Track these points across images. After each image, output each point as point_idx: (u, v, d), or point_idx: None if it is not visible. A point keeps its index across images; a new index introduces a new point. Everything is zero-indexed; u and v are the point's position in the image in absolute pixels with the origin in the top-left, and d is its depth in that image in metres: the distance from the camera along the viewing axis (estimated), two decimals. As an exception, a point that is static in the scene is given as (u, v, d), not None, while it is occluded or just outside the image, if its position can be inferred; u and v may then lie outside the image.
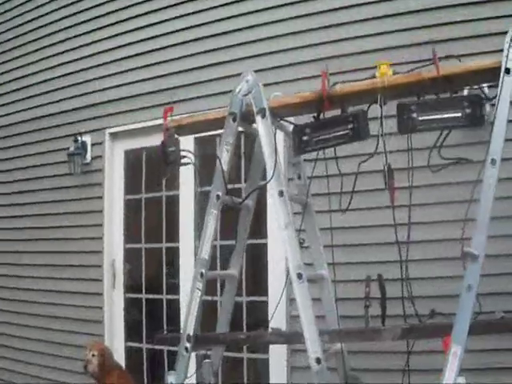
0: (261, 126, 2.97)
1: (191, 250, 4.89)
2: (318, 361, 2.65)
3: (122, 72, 5.44)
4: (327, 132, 2.90)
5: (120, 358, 5.05)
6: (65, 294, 5.59)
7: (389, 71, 2.85)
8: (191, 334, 3.00)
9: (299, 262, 2.78)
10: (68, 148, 5.56)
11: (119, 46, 5.45)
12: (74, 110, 5.75)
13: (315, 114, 2.98)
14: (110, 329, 5.32)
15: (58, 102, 5.89)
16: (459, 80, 2.73)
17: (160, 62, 5.17)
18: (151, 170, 5.36)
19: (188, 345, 3.00)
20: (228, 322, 3.35)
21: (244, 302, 4.51)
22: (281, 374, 4.33)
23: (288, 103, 3.08)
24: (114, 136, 5.51)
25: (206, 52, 4.90)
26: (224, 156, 3.09)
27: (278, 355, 4.30)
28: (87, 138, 5.56)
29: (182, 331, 3.06)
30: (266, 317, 4.40)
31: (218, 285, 4.34)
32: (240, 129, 3.13)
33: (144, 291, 5.29)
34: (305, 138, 2.94)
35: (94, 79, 5.62)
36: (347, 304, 3.47)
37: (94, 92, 5.62)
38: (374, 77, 2.85)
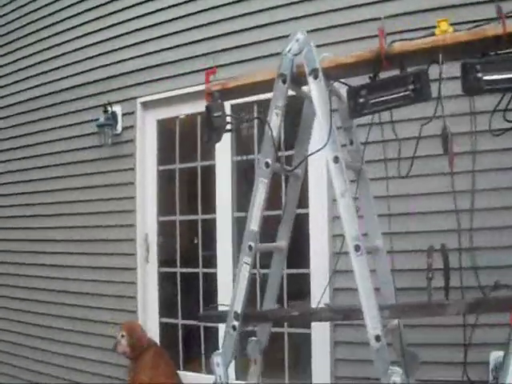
0: (314, 87, 2.76)
1: (229, 222, 4.77)
2: (378, 338, 2.46)
3: (152, 39, 5.22)
4: (385, 93, 2.69)
5: (154, 334, 4.94)
6: (96, 269, 5.44)
7: (449, 28, 2.65)
8: (239, 311, 2.81)
9: (357, 232, 2.58)
10: (97, 119, 5.37)
11: (151, 12, 5.22)
12: (102, 79, 5.55)
13: (371, 75, 2.77)
14: (143, 304, 5.16)
15: (85, 72, 5.68)
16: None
17: (196, 27, 4.93)
18: (185, 140, 5.18)
19: (236, 323, 2.81)
20: (275, 297, 3.17)
21: (285, 274, 4.29)
22: (324, 349, 4.16)
23: (342, 63, 2.84)
24: (146, 105, 5.31)
25: (247, 14, 4.65)
26: (274, 120, 2.87)
27: (320, 330, 4.12)
28: (117, 108, 5.36)
29: (229, 308, 2.87)
30: (308, 290, 4.29)
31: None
32: (290, 92, 2.92)
33: (179, 265, 5.13)
34: (361, 100, 2.74)
35: (124, 47, 5.40)
36: (403, 276, 3.28)
37: (123, 60, 5.41)
38: (433, 35, 2.64)
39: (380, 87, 2.71)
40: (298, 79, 2.87)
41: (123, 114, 5.35)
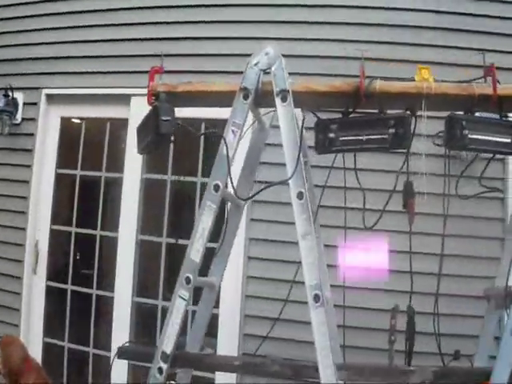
0: (281, 111, 2.47)
1: (132, 244, 4.35)
2: (334, 400, 2.21)
3: (70, 27, 4.72)
4: (359, 133, 2.49)
5: (36, 354, 4.33)
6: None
7: (430, 77, 2.52)
8: (168, 352, 2.43)
9: (318, 280, 2.33)
10: (-4, 102, 4.79)
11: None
12: (6, 60, 4.94)
13: (343, 110, 2.54)
14: (27, 319, 4.57)
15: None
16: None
17: (124, 25, 4.52)
18: (91, 145, 4.72)
19: (163, 365, 2.42)
20: (202, 338, 2.79)
21: (190, 311, 3.90)
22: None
23: (315, 90, 2.58)
24: (51, 98, 4.79)
25: (190, 23, 4.35)
26: (230, 139, 2.53)
27: (225, 378, 3.74)
28: (19, 95, 4.80)
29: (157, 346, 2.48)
30: (216, 332, 3.97)
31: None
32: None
33: (70, 282, 4.60)
34: (330, 135, 2.51)
35: (36, 30, 4.85)
36: (351, 332, 3.03)
37: (32, 44, 4.86)
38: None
39: (353, 125, 2.53)
40: (261, 98, 2.57)
41: (25, 103, 4.81)
